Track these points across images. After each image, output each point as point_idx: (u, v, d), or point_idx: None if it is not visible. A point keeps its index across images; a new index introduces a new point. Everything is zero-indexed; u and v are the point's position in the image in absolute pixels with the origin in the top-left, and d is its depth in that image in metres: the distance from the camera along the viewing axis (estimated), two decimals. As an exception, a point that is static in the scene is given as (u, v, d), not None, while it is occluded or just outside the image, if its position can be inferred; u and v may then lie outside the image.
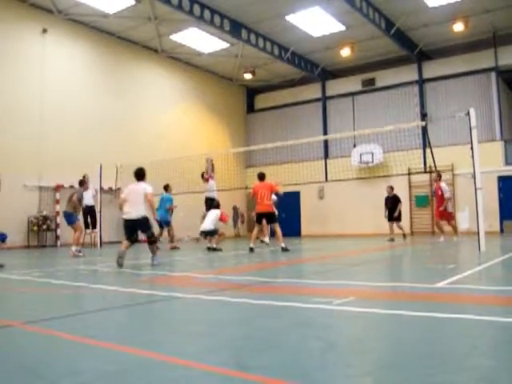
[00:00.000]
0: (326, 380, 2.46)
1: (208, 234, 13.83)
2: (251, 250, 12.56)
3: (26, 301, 5.80)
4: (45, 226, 18.33)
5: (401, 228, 17.24)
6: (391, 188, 17.60)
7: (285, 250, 12.38)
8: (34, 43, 18.83)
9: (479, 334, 3.41)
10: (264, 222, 13.73)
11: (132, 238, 9.49)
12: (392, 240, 16.69)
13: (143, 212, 9.40)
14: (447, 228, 16.19)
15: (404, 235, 17.32)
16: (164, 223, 15.17)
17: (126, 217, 9.43)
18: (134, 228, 9.52)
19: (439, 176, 15.77)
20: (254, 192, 13.33)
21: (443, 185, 15.46)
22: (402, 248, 13.79)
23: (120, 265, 8.91)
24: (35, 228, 18.07)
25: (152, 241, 9.56)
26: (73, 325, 4.08)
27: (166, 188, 15.74)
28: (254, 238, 13.09)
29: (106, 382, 2.53)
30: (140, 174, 9.69)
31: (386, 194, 17.60)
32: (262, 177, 13.45)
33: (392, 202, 17.20)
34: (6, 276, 8.05)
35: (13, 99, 17.85)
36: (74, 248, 12.78)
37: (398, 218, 17.17)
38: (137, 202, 9.34)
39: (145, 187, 9.46)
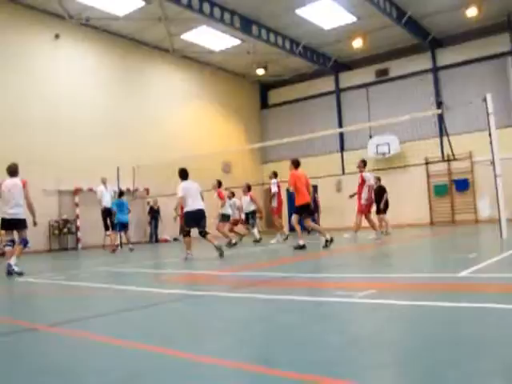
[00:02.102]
0: (351, 372, 2.45)
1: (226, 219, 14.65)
2: (303, 246, 11.27)
3: (50, 303, 5.86)
4: (65, 230, 18.54)
5: (384, 222, 15.89)
6: (378, 179, 16.23)
7: (330, 242, 11.36)
8: (47, 49, 18.99)
9: (504, 323, 3.37)
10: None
11: (190, 232, 10.89)
12: (387, 233, 15.41)
13: (203, 205, 10.78)
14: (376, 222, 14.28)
15: (382, 230, 15.20)
16: (125, 226, 16.19)
17: (194, 208, 10.56)
18: (197, 219, 10.65)
19: (363, 163, 13.72)
20: (299, 179, 11.47)
21: (367, 174, 13.53)
22: (419, 239, 13.69)
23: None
24: (56, 232, 18.27)
25: (206, 233, 10.73)
26: (97, 326, 4.11)
27: (122, 194, 16.61)
28: (301, 233, 11.67)
29: (133, 381, 2.55)
30: (187, 174, 10.92)
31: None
32: (298, 164, 11.84)
33: (377, 194, 15.60)
34: (31, 280, 8.14)
35: (28, 105, 18.01)
36: None
37: (383, 211, 15.94)
38: (198, 197, 10.70)
39: (197, 185, 10.90)
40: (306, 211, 11.56)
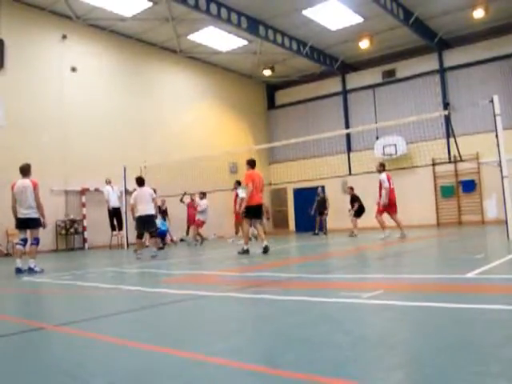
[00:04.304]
0: (357, 374, 2.46)
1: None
2: (246, 251, 10.92)
3: (58, 303, 5.89)
4: (72, 230, 18.57)
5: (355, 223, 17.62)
6: (351, 188, 18.37)
7: (266, 250, 10.73)
8: (55, 49, 19.03)
9: (511, 324, 3.37)
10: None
11: (142, 233, 12.23)
12: (355, 235, 16.93)
13: (151, 211, 11.94)
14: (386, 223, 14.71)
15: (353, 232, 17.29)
16: None
17: (142, 214, 11.80)
18: (144, 223, 11.88)
19: (382, 166, 14.55)
20: (252, 179, 11.09)
21: (383, 176, 14.18)
22: (426, 240, 13.66)
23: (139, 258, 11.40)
24: (63, 232, 18.32)
25: (153, 235, 12.16)
26: (104, 326, 4.13)
27: None
28: (248, 238, 11.46)
29: (138, 381, 2.56)
30: (142, 181, 12.19)
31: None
32: (254, 164, 11.51)
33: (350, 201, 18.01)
34: (38, 280, 8.18)
35: (36, 106, 18.08)
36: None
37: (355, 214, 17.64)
38: (147, 203, 11.87)
39: (151, 192, 12.06)
40: (256, 213, 11.30)
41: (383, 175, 14.20)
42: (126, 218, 17.56)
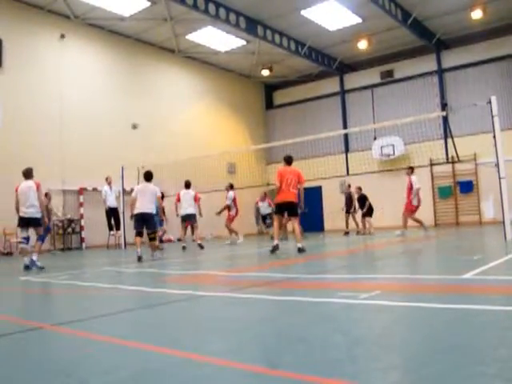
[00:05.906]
0: (356, 374, 2.46)
1: (188, 219, 15.12)
2: (275, 248, 10.45)
3: (55, 303, 5.89)
4: (70, 229, 18.57)
5: (369, 224, 18.51)
6: (359, 188, 18.92)
7: (301, 250, 10.40)
8: (53, 49, 19.04)
9: (508, 325, 3.37)
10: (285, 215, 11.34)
11: (142, 232, 11.34)
12: (371, 234, 17.68)
13: (152, 209, 11.25)
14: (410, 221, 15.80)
15: (365, 231, 18.40)
16: None
17: (140, 211, 11.09)
18: (143, 222, 11.18)
19: (411, 169, 15.68)
20: (280, 176, 10.70)
21: (414, 178, 15.19)
22: (423, 241, 13.68)
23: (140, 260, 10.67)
24: (60, 231, 18.31)
25: (152, 237, 11.36)
26: (102, 325, 4.13)
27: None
28: (277, 234, 10.95)
29: (135, 381, 2.56)
30: (150, 176, 11.58)
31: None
32: (290, 160, 11.10)
33: (360, 200, 18.82)
34: (36, 279, 8.18)
35: (33, 106, 18.07)
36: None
37: (368, 214, 18.55)
38: (148, 200, 11.18)
39: (156, 190, 11.43)
40: (281, 210, 10.92)
41: (414, 177, 15.15)
42: (124, 218, 17.56)
